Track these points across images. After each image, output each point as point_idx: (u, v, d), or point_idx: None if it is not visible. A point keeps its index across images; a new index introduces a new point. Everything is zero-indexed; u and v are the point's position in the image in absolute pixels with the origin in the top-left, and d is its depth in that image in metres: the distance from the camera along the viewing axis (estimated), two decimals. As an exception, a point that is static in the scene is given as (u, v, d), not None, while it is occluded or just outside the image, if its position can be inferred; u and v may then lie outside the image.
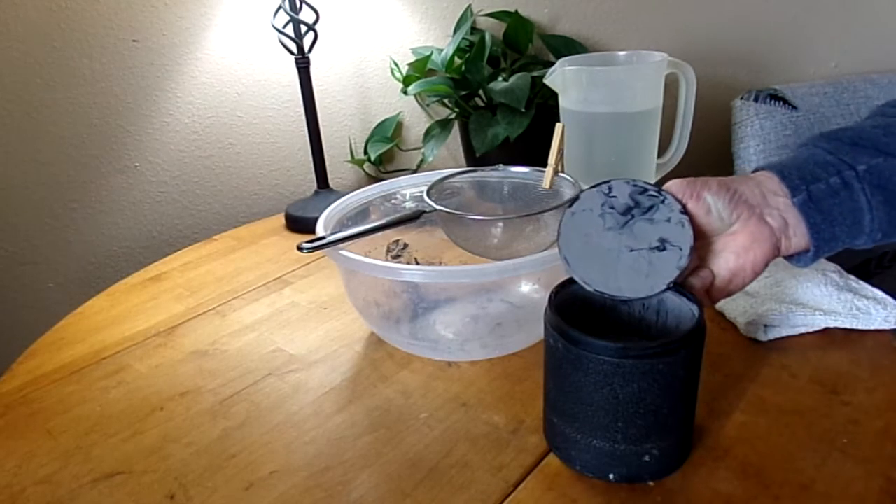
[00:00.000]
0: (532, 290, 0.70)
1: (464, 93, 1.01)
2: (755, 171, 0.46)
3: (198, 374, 0.62)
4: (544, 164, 0.65)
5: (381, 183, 0.73)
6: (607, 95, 0.76)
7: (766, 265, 0.45)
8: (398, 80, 1.10)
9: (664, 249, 0.43)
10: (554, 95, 0.81)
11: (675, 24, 1.01)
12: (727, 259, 0.45)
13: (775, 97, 0.90)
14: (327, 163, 1.01)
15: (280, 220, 1.01)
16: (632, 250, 0.44)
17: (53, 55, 0.94)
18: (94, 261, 1.07)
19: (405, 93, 1.07)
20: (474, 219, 0.63)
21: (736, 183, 0.44)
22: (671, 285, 0.43)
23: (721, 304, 0.64)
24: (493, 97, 0.95)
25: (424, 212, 0.63)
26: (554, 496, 0.45)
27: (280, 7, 0.89)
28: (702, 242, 0.45)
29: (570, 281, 0.48)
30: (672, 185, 0.44)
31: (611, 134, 0.77)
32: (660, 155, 0.82)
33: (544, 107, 0.95)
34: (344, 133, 1.17)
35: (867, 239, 0.44)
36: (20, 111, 0.95)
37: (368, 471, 0.48)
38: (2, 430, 0.55)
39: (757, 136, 0.91)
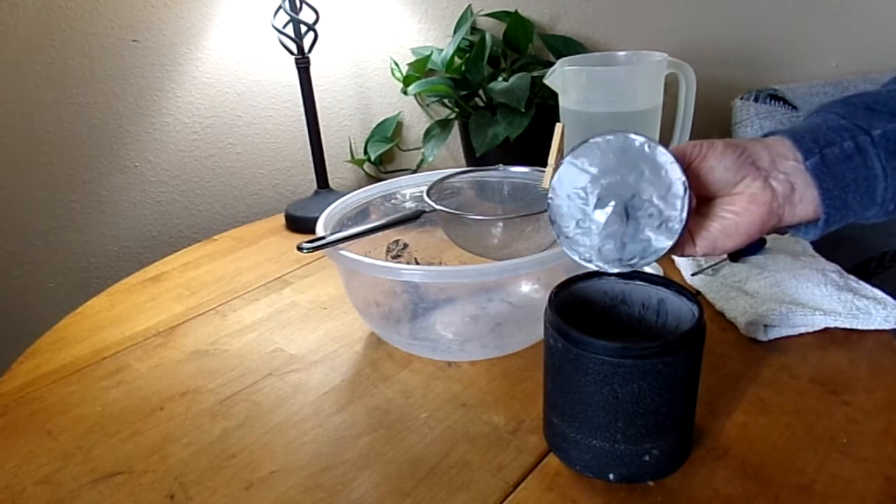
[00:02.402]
0: (532, 290, 0.70)
1: (464, 93, 1.01)
2: (765, 135, 0.44)
3: (198, 374, 0.62)
4: (544, 164, 0.65)
5: (381, 183, 0.73)
6: (607, 95, 0.76)
7: (761, 232, 0.43)
8: (398, 80, 1.10)
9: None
10: (554, 95, 0.81)
11: (675, 24, 1.01)
12: (722, 217, 0.43)
13: (775, 97, 0.90)
14: (327, 163, 1.01)
15: (280, 220, 1.01)
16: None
17: (53, 55, 0.94)
18: (94, 261, 1.07)
19: (405, 93, 1.07)
20: (474, 219, 0.63)
21: (745, 143, 0.43)
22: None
23: (721, 304, 0.64)
24: (493, 97, 0.95)
25: (424, 212, 0.63)
26: (554, 496, 0.45)
27: (280, 7, 0.89)
28: (701, 200, 0.43)
29: (570, 281, 0.48)
30: (677, 147, 0.43)
31: (611, 134, 0.77)
32: (660, 155, 0.82)
33: (544, 107, 0.95)
34: (344, 133, 1.17)
35: (879, 210, 0.42)
36: (20, 111, 0.95)
37: (368, 471, 0.48)
38: (2, 430, 0.55)
39: (757, 136, 0.91)
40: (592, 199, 0.43)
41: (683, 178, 0.40)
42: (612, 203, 0.42)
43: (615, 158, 0.42)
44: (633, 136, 0.41)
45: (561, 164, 0.44)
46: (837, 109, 0.44)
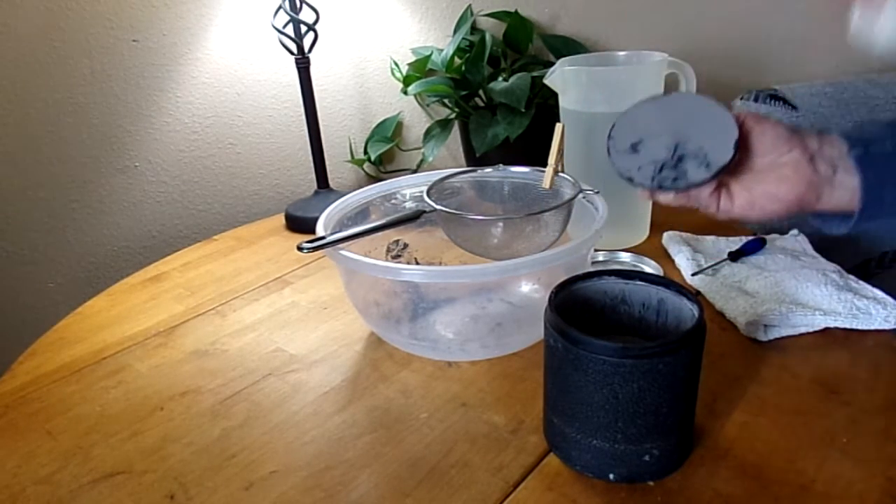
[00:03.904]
0: (532, 290, 0.70)
1: (464, 93, 1.01)
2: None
3: (198, 374, 0.62)
4: (544, 164, 0.65)
5: (381, 183, 0.73)
6: (607, 95, 0.76)
7: (800, 205, 0.46)
8: (398, 80, 1.10)
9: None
10: (554, 95, 0.81)
11: (675, 24, 1.00)
12: (766, 181, 0.46)
13: (775, 97, 0.90)
14: (327, 163, 1.01)
15: (280, 220, 1.01)
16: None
17: (53, 55, 0.94)
18: (94, 261, 1.07)
19: (405, 93, 1.07)
20: (474, 219, 0.63)
21: (798, 128, 0.47)
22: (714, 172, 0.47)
23: (721, 304, 0.64)
24: (493, 97, 0.95)
25: (424, 212, 0.63)
26: (554, 496, 0.45)
27: (280, 7, 0.89)
28: (745, 160, 0.47)
29: (570, 281, 0.48)
30: (738, 112, 0.47)
31: (611, 134, 0.77)
32: (660, 155, 0.82)
33: (544, 107, 0.95)
34: (344, 133, 1.17)
35: None
36: (20, 111, 0.95)
37: (368, 471, 0.48)
38: (2, 430, 0.55)
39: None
40: (652, 131, 0.50)
41: (737, 135, 0.46)
42: (667, 137, 0.49)
43: (686, 110, 0.50)
44: (707, 99, 0.49)
45: (643, 103, 0.52)
46: (879, 124, 0.48)
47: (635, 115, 0.51)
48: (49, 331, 0.71)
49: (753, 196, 0.47)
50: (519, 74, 0.94)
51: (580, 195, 0.63)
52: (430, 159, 1.04)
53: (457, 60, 1.03)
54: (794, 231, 0.77)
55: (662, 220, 0.85)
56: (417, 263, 0.74)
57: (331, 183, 1.02)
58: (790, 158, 0.45)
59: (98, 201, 1.04)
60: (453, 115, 1.05)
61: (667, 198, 0.50)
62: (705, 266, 0.71)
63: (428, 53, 1.05)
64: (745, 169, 0.47)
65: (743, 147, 0.47)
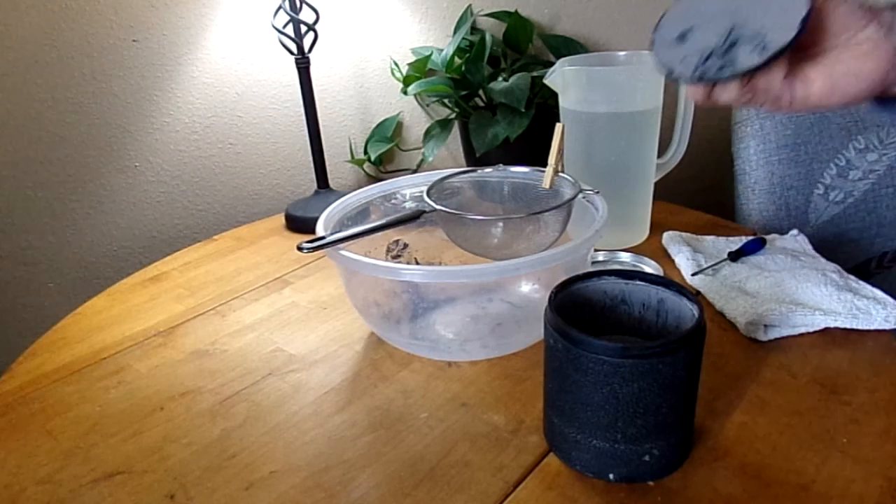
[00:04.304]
0: (532, 290, 0.70)
1: (464, 93, 1.01)
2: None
3: (198, 374, 0.62)
4: (544, 164, 0.65)
5: (381, 183, 0.73)
6: (607, 95, 0.76)
7: (883, 84, 0.43)
8: (398, 80, 1.10)
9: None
10: (554, 95, 0.81)
11: (675, 24, 1.01)
12: (845, 61, 0.42)
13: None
14: (327, 163, 1.01)
15: (280, 220, 1.01)
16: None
17: (53, 55, 0.94)
18: (94, 261, 1.07)
19: (405, 93, 1.07)
20: (474, 219, 0.63)
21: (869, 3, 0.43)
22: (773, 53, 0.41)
23: (721, 304, 0.64)
24: (493, 97, 0.95)
25: (424, 212, 0.63)
26: (554, 496, 0.45)
27: (280, 7, 0.89)
28: (819, 40, 0.43)
29: (570, 281, 0.48)
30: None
31: (611, 134, 0.77)
32: (660, 155, 0.82)
33: (544, 107, 0.95)
34: (344, 133, 1.17)
35: None
36: (20, 111, 0.95)
37: (368, 471, 0.48)
38: (2, 430, 0.55)
39: (757, 135, 0.91)
40: (706, 17, 0.44)
41: (806, 12, 0.40)
42: (724, 20, 0.43)
43: None
44: None
45: None
46: None
47: (692, 1, 0.45)
48: (49, 331, 0.71)
49: (834, 78, 0.42)
50: (519, 74, 0.94)
51: (580, 195, 0.63)
52: (430, 159, 1.04)
53: (457, 60, 1.03)
54: (794, 231, 0.77)
55: (662, 220, 0.85)
56: (417, 263, 0.74)
57: (331, 183, 1.02)
58: (869, 33, 0.42)
59: (98, 201, 1.04)
60: (453, 115, 1.05)
61: (728, 94, 0.43)
62: (705, 266, 0.71)
63: (428, 53, 1.05)
64: (820, 50, 0.43)
65: (815, 27, 0.42)
